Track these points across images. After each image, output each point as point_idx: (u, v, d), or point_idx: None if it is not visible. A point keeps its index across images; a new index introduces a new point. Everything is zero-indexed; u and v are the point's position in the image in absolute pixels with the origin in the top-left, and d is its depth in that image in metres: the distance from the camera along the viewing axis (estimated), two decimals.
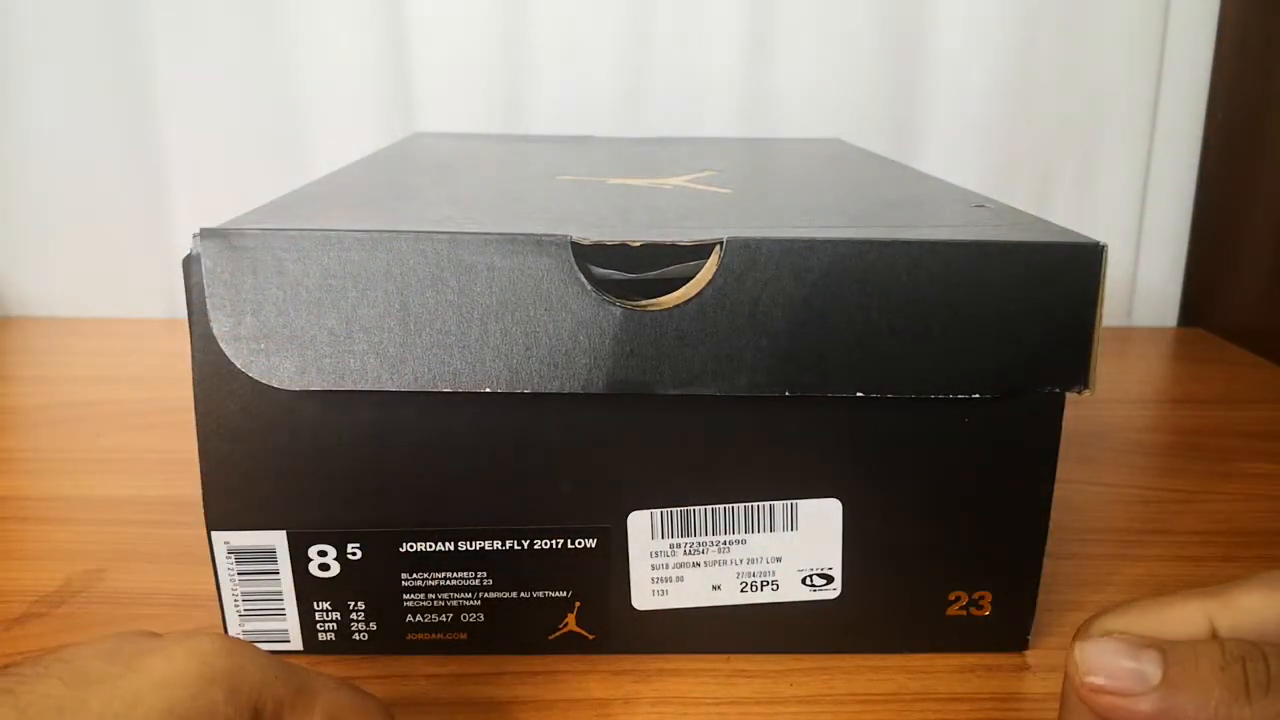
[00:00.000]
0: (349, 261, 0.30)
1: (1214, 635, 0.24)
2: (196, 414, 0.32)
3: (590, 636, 0.35)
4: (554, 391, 0.31)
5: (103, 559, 0.41)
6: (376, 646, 0.35)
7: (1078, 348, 0.32)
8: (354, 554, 0.34)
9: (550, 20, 0.74)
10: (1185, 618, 0.25)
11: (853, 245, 0.31)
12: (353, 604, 0.34)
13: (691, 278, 0.31)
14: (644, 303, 0.31)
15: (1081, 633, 0.26)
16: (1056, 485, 0.34)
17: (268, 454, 0.33)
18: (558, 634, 0.35)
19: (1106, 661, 0.23)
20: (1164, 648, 0.23)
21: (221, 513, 0.33)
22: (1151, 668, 0.22)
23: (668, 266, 0.31)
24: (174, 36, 0.73)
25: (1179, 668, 0.22)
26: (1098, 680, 0.23)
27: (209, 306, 0.30)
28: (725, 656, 0.35)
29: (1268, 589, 0.24)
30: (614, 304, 0.31)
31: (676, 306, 0.31)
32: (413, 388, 0.31)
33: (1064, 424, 0.33)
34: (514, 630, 0.35)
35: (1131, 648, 0.23)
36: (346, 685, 0.26)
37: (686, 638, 0.35)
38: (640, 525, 0.34)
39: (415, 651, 0.35)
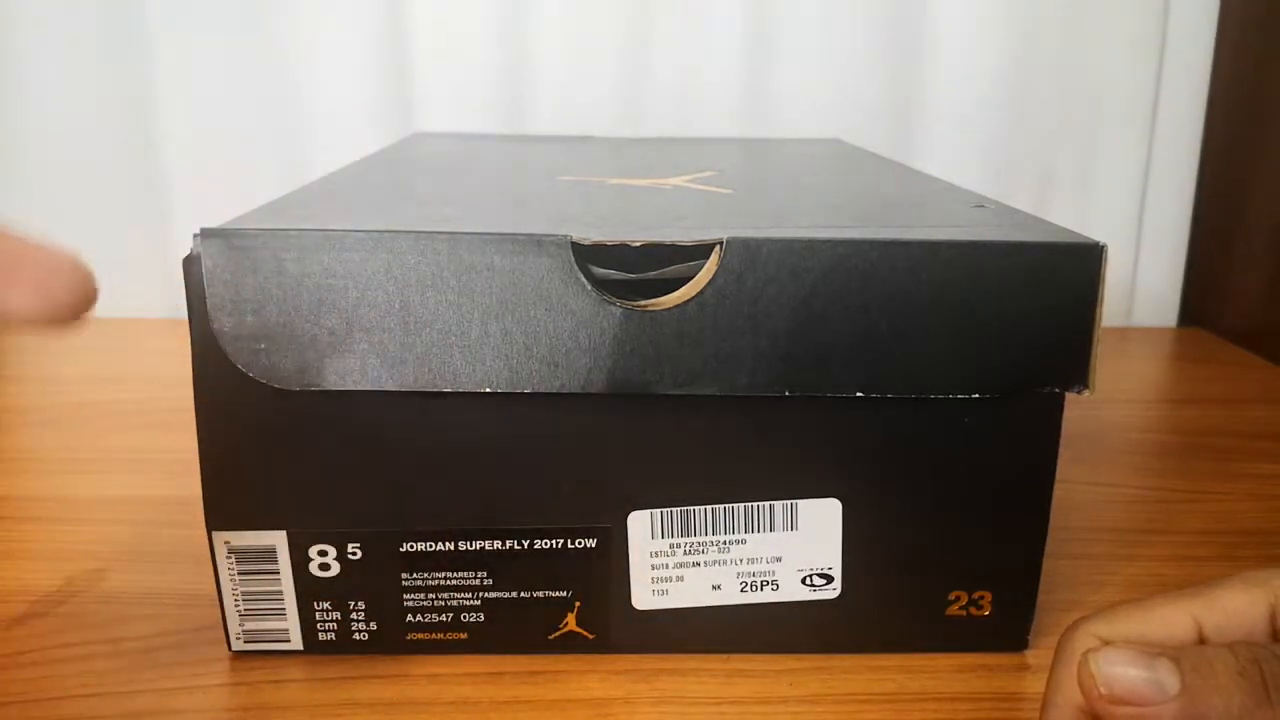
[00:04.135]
0: (349, 261, 0.30)
1: (1201, 636, 0.24)
2: (196, 414, 0.32)
3: (590, 636, 0.35)
4: (554, 391, 0.31)
5: (103, 559, 0.41)
6: (377, 646, 0.35)
7: (1078, 348, 0.32)
8: (354, 554, 0.34)
9: (551, 20, 0.74)
10: (1171, 620, 0.25)
11: (853, 245, 0.31)
12: (353, 604, 0.34)
13: (691, 278, 0.31)
14: (644, 303, 0.31)
15: (1067, 637, 0.26)
16: (1056, 485, 0.34)
17: (268, 454, 0.33)
18: (558, 634, 0.35)
19: (1122, 673, 0.23)
20: (1176, 656, 0.23)
21: (221, 513, 0.33)
22: (1168, 676, 0.22)
23: (668, 266, 0.31)
24: (174, 37, 0.73)
25: (1196, 675, 0.22)
26: (1117, 692, 0.23)
27: (209, 306, 0.30)
28: (725, 656, 0.35)
29: (1250, 588, 0.25)
30: (614, 304, 0.31)
31: (676, 306, 0.31)
32: (413, 388, 0.31)
33: (1064, 424, 0.33)
34: (514, 630, 0.35)
35: (1144, 657, 0.23)
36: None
37: (686, 638, 0.35)
38: (640, 525, 0.34)
39: (415, 651, 0.35)
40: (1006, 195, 0.77)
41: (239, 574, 0.34)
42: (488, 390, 0.31)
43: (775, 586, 0.35)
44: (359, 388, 0.31)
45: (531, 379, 0.31)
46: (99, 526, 0.44)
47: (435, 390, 0.31)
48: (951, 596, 0.35)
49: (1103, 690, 0.23)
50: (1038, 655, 0.36)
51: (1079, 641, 0.25)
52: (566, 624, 0.35)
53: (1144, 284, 0.81)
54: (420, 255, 0.30)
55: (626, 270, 0.31)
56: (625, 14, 0.74)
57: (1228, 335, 0.77)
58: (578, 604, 0.35)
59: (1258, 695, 0.22)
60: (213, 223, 0.31)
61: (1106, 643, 0.25)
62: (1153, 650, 0.23)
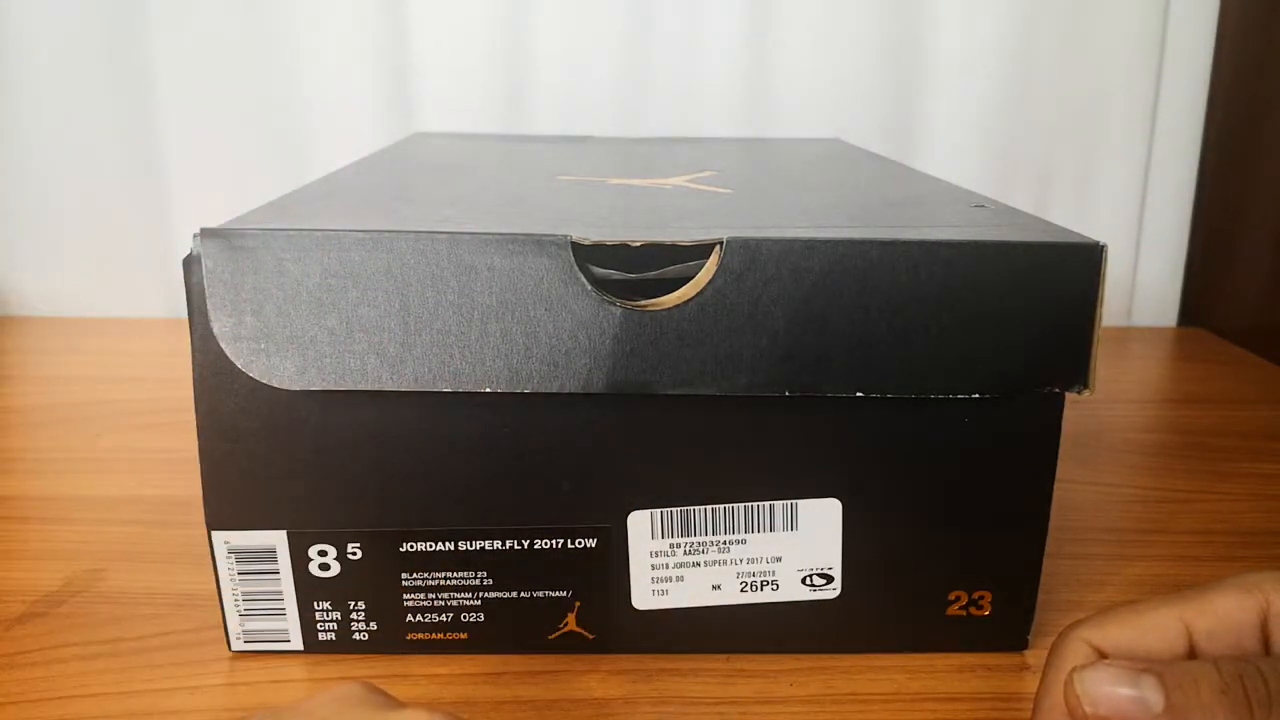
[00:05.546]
0: (349, 261, 0.30)
1: (1191, 641, 0.24)
2: (197, 414, 0.32)
3: (590, 636, 0.35)
4: (554, 391, 0.31)
5: (103, 559, 0.42)
6: (377, 646, 0.35)
7: (1078, 348, 0.32)
8: (354, 554, 0.34)
9: (550, 20, 0.74)
10: (1162, 625, 0.25)
11: (853, 245, 0.31)
12: (353, 604, 0.34)
13: (691, 278, 0.31)
14: (644, 303, 0.31)
15: (1059, 642, 0.26)
16: (1056, 485, 0.34)
17: (268, 454, 0.33)
18: (558, 634, 0.35)
19: (1108, 692, 0.23)
20: (1161, 672, 0.23)
21: (221, 513, 0.33)
22: (1153, 694, 0.22)
23: (668, 266, 0.31)
24: (174, 36, 0.73)
25: (1180, 693, 0.22)
26: (1103, 711, 0.23)
27: (209, 306, 0.30)
28: (725, 656, 0.35)
29: (1240, 592, 0.24)
30: (614, 304, 0.31)
31: (676, 306, 0.31)
32: (413, 388, 0.31)
33: (1064, 424, 0.33)
34: (514, 630, 0.35)
35: (1129, 675, 0.23)
36: None
37: (686, 638, 0.35)
38: (640, 525, 0.34)
39: (415, 651, 0.35)
40: (1006, 195, 0.77)
41: (239, 574, 0.34)
42: (488, 390, 0.31)
43: (775, 586, 0.35)
44: (359, 388, 0.31)
45: (531, 379, 0.31)
46: (99, 526, 0.44)
47: (435, 390, 0.31)
48: (951, 596, 0.35)
49: (1088, 710, 0.23)
50: (1038, 655, 0.36)
51: (1070, 647, 0.25)
52: (566, 624, 0.35)
53: (1144, 284, 0.81)
54: (420, 255, 0.30)
55: (626, 270, 0.31)
56: (625, 13, 0.74)
57: (1228, 335, 0.77)
58: (578, 604, 0.35)
59: (1241, 712, 0.22)
60: (213, 223, 0.31)
61: (1098, 649, 0.25)
62: (1138, 666, 0.23)
